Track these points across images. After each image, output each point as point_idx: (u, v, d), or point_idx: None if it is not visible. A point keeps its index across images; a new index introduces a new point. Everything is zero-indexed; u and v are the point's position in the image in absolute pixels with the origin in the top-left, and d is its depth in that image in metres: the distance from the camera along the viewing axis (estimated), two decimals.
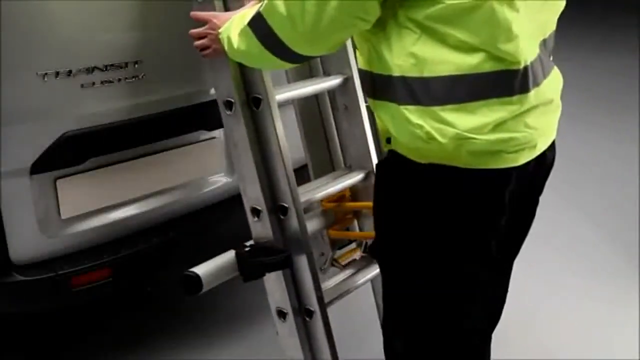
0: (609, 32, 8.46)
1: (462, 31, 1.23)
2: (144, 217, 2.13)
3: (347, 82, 2.04)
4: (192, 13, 1.71)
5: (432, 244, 1.41)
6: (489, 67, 1.25)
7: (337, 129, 2.17)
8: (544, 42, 1.36)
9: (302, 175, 2.12)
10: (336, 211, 2.11)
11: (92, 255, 2.01)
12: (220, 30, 1.59)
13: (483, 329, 1.64)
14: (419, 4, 1.24)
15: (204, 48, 1.68)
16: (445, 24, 1.23)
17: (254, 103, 1.77)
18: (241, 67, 1.74)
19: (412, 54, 1.27)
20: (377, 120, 1.46)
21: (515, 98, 1.28)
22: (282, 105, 1.82)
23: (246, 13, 1.48)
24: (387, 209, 1.49)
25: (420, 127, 1.29)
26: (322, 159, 2.21)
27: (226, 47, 1.56)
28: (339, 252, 2.18)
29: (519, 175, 1.36)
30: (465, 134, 1.27)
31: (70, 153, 1.92)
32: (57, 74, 1.82)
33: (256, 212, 1.82)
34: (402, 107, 1.31)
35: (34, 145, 1.86)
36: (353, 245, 2.23)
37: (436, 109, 1.27)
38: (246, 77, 1.76)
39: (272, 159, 1.79)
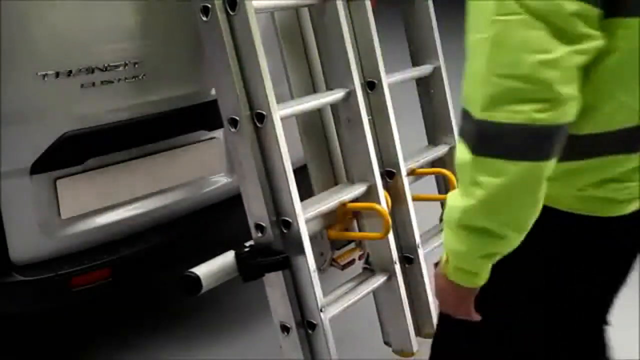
0: None
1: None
2: (144, 217, 2.13)
3: (350, 96, 2.03)
4: None
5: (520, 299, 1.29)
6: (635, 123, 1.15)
7: (339, 142, 2.17)
8: None
9: (301, 176, 2.12)
10: (336, 212, 2.10)
11: (92, 255, 2.01)
12: (441, 272, 1.23)
13: None
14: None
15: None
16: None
17: (257, 119, 1.77)
18: (245, 83, 1.75)
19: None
20: None
21: None
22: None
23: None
24: None
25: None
26: (324, 171, 2.21)
27: (466, 277, 1.18)
28: (338, 252, 2.19)
29: (622, 224, 1.26)
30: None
31: (70, 153, 1.92)
32: (57, 74, 1.82)
33: (260, 227, 1.83)
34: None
35: (34, 145, 1.86)
36: (352, 245, 2.24)
37: (571, 164, 1.16)
38: (250, 94, 1.76)
39: (275, 175, 1.80)
